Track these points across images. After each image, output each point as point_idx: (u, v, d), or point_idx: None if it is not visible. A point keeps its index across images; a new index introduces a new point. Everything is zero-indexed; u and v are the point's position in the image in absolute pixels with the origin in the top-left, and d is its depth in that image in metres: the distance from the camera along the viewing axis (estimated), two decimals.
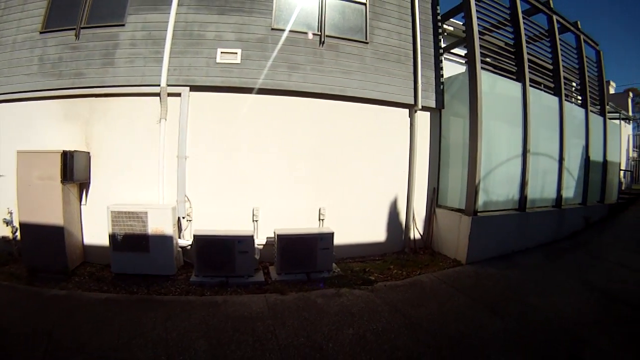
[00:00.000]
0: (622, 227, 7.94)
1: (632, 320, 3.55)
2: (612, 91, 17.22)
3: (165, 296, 3.85)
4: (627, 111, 15.31)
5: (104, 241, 4.53)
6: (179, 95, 4.84)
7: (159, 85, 4.76)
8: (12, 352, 2.76)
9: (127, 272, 4.27)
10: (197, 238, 4.18)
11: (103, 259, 4.60)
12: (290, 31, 5.14)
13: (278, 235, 4.40)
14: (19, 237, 4.79)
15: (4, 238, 4.98)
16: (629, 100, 15.89)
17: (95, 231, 4.76)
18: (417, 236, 6.04)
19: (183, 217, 4.88)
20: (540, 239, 6.38)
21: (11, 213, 4.89)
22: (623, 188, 12.45)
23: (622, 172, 12.25)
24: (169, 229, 4.29)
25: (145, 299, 3.74)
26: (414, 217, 5.97)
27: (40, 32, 5.05)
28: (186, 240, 4.86)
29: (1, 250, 4.94)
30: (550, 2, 7.11)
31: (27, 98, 4.99)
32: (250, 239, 4.28)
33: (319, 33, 5.28)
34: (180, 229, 4.83)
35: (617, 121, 11.41)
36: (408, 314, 3.58)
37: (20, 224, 4.43)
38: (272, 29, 5.08)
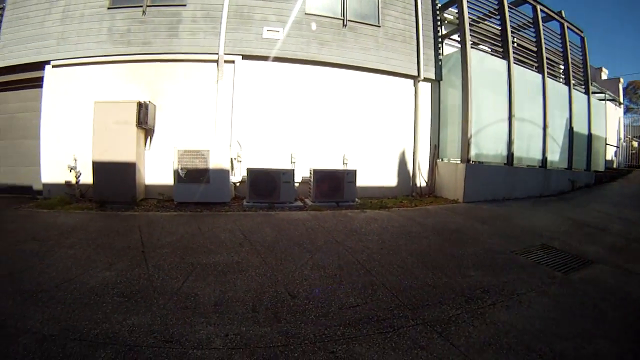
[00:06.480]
0: (607, 191, 8.90)
1: (593, 232, 4.82)
2: (604, 77, 18.19)
3: (227, 212, 4.80)
4: (618, 96, 16.23)
5: (163, 181, 5.52)
6: (232, 62, 5.93)
7: (217, 54, 5.83)
8: (117, 238, 3.74)
9: (188, 200, 5.13)
10: (250, 170, 5.14)
11: (162, 196, 5.48)
12: (319, 15, 6.32)
13: (314, 170, 5.48)
14: (81, 181, 5.57)
15: (68, 182, 5.69)
16: (620, 86, 16.86)
17: (155, 173, 5.71)
18: (423, 184, 7.30)
19: (234, 159, 5.87)
20: (528, 192, 7.47)
21: (76, 160, 5.63)
22: (615, 166, 13.38)
23: (612, 149, 13.17)
24: (227, 164, 5.25)
25: (211, 214, 4.67)
26: (419, 167, 7.27)
27: (108, 8, 5.98)
28: (236, 178, 5.85)
29: (65, 194, 5.56)
30: None
31: (98, 62, 5.91)
32: (292, 171, 5.33)
33: (342, 18, 6.44)
34: (232, 168, 5.77)
35: (602, 101, 12.32)
36: (417, 221, 4.81)
37: (94, 163, 5.20)
38: (306, 13, 6.26)
